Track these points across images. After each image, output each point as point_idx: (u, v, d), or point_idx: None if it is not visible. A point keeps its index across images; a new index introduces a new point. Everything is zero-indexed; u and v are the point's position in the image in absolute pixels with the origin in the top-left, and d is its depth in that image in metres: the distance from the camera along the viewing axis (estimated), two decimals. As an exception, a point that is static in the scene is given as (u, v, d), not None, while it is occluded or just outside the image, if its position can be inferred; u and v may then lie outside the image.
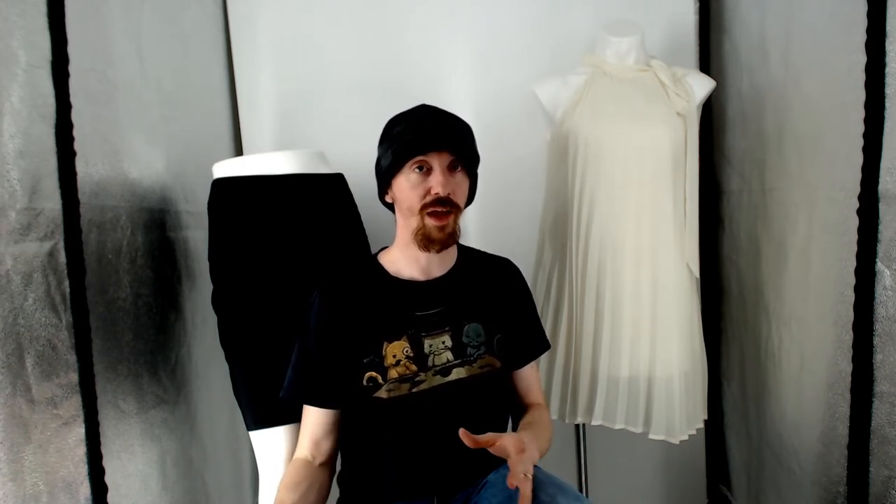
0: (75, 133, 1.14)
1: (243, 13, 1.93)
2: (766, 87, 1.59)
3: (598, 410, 1.49)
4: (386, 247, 1.25)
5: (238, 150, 1.98)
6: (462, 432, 0.98)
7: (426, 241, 1.12)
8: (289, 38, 1.93)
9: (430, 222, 1.10)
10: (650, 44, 1.63)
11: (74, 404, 1.11)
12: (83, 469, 1.12)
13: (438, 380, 1.15)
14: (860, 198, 1.15)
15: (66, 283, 1.10)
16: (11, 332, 0.98)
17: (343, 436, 1.21)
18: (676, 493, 2.07)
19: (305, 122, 1.93)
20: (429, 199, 1.10)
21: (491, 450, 1.00)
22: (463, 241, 1.30)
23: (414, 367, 1.14)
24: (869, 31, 1.11)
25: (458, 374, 1.16)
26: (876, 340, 1.13)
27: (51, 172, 1.09)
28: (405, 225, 1.15)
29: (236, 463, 1.86)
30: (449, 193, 1.10)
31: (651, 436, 1.48)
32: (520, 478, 0.95)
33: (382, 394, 1.13)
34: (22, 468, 0.99)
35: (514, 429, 1.27)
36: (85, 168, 1.18)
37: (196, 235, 1.65)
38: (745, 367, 1.76)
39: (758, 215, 1.65)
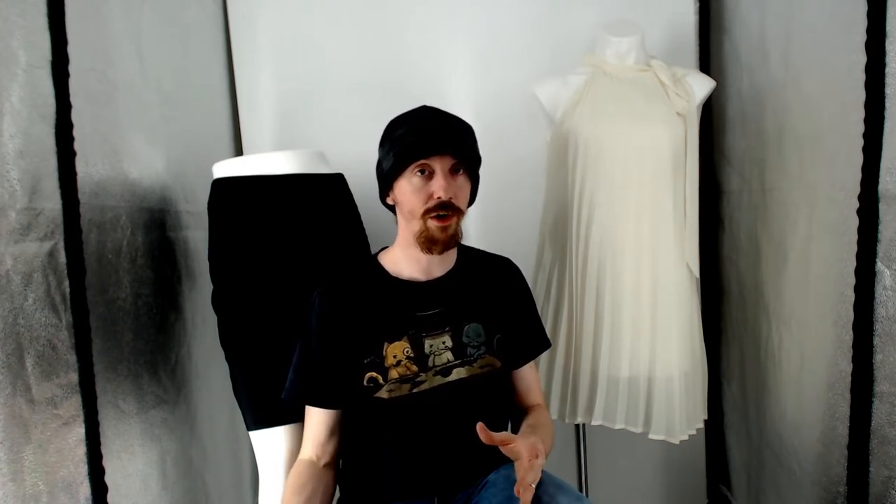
0: (75, 133, 1.14)
1: (243, 13, 1.93)
2: (766, 87, 1.59)
3: (598, 410, 1.49)
4: (386, 247, 1.25)
5: (238, 150, 1.98)
6: (480, 426, 0.98)
7: (429, 244, 1.12)
8: (289, 38, 1.93)
9: (433, 224, 1.11)
10: (650, 44, 1.63)
11: (74, 404, 1.11)
12: (83, 469, 1.12)
13: (439, 380, 1.15)
14: (860, 198, 1.15)
15: (66, 283, 1.10)
16: (11, 332, 0.98)
17: (344, 436, 1.21)
18: (676, 493, 2.07)
19: (305, 122, 1.93)
20: (431, 203, 1.10)
21: (503, 449, 1.00)
22: (463, 240, 1.30)
23: (414, 368, 1.14)
24: (869, 31, 1.11)
25: (458, 374, 1.16)
26: (876, 340, 1.13)
27: (51, 172, 1.09)
28: (407, 226, 1.15)
29: (236, 463, 1.86)
30: (451, 197, 1.10)
31: (651, 436, 1.48)
32: (525, 485, 0.95)
33: (383, 394, 1.13)
34: (22, 468, 0.99)
35: (514, 429, 1.27)
36: (85, 168, 1.18)
37: (196, 235, 1.65)
38: (745, 367, 1.76)
39: (758, 215, 1.65)
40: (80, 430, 1.12)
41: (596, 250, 1.49)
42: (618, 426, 1.50)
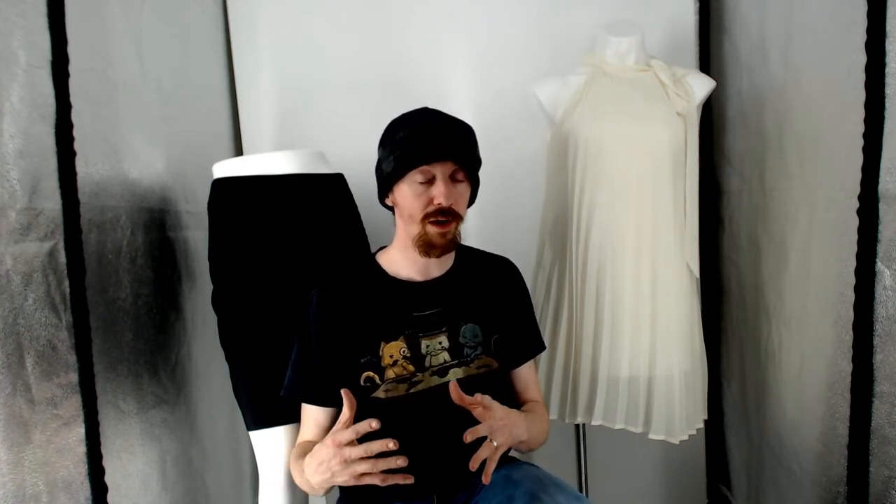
0: (75, 133, 1.14)
1: (243, 13, 1.93)
2: (766, 87, 1.59)
3: (598, 410, 1.49)
4: (384, 246, 1.25)
5: (238, 150, 1.98)
6: (452, 385, 1.01)
7: (427, 247, 1.12)
8: (289, 38, 1.93)
9: (432, 229, 1.11)
10: (650, 44, 1.63)
11: (74, 404, 1.11)
12: (83, 469, 1.12)
13: (436, 380, 1.15)
14: (860, 198, 1.15)
15: (66, 283, 1.10)
16: (11, 332, 0.99)
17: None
18: (676, 493, 2.07)
19: (305, 122, 1.93)
20: (431, 208, 1.10)
21: (475, 413, 1.02)
22: (463, 240, 1.30)
23: (411, 368, 1.14)
24: (869, 31, 1.11)
25: (455, 374, 1.16)
26: (876, 340, 1.13)
27: (51, 172, 1.09)
28: (405, 229, 1.15)
29: (236, 463, 1.86)
30: (451, 203, 1.10)
31: (651, 436, 1.48)
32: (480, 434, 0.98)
33: (380, 394, 1.13)
34: (22, 468, 0.99)
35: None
36: (85, 168, 1.18)
37: (196, 235, 1.65)
38: (745, 367, 1.76)
39: (758, 215, 1.65)
40: (80, 430, 1.12)
41: (596, 250, 1.49)
42: (618, 426, 1.50)
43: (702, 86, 1.56)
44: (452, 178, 1.11)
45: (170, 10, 1.63)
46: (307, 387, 1.17)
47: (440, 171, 1.09)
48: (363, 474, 0.99)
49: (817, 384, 1.34)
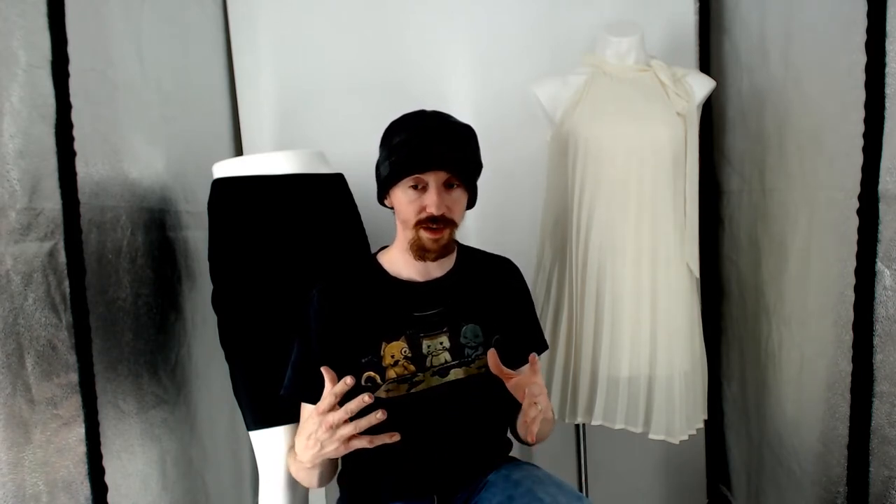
0: (75, 133, 1.14)
1: (243, 13, 1.93)
2: (766, 87, 1.59)
3: (598, 410, 1.49)
4: (385, 246, 1.25)
5: (238, 150, 1.98)
6: (490, 353, 1.06)
7: (421, 252, 1.12)
8: (289, 38, 1.93)
9: (425, 234, 1.11)
10: (650, 44, 1.63)
11: (74, 404, 1.11)
12: (83, 469, 1.12)
13: (437, 380, 1.15)
14: (860, 198, 1.15)
15: (66, 283, 1.10)
16: (11, 332, 0.98)
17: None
18: (676, 493, 2.07)
19: (305, 122, 1.93)
20: (423, 215, 1.10)
21: (509, 385, 1.06)
22: (463, 240, 1.30)
23: (412, 368, 1.14)
24: (869, 31, 1.11)
25: (455, 374, 1.16)
26: (876, 340, 1.13)
27: (51, 172, 1.09)
28: (402, 232, 1.16)
29: (236, 463, 1.86)
30: (444, 212, 1.10)
31: (651, 436, 1.48)
32: (532, 400, 1.01)
33: (381, 394, 1.13)
34: (22, 468, 0.99)
35: (513, 431, 1.27)
36: (85, 168, 1.18)
37: (196, 235, 1.65)
38: (745, 367, 1.76)
39: (758, 215, 1.65)
40: (80, 430, 1.12)
41: (596, 250, 1.49)
42: (618, 426, 1.50)
43: (702, 86, 1.57)
44: (447, 185, 1.11)
45: (170, 10, 1.63)
46: (307, 386, 1.17)
47: (433, 179, 1.09)
48: (351, 439, 1.00)
49: (817, 384, 1.34)
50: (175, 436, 1.49)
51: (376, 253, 1.25)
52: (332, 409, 0.99)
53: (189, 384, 1.58)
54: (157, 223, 1.48)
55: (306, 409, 1.19)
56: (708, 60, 1.92)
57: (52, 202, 1.08)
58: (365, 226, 1.55)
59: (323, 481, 1.17)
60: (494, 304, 1.23)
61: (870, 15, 1.10)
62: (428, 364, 1.15)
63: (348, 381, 0.98)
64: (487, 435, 1.24)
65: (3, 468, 0.96)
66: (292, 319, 1.22)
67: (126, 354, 1.30)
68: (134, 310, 1.35)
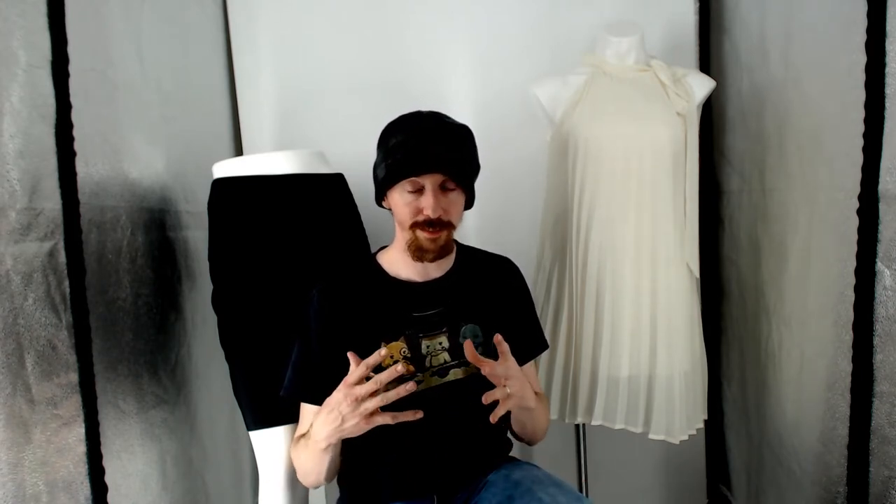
0: (75, 133, 1.14)
1: (243, 13, 1.93)
2: (766, 87, 1.59)
3: (598, 410, 1.49)
4: (385, 246, 1.25)
5: (238, 150, 1.98)
6: (466, 343, 1.03)
7: (419, 252, 1.12)
8: (289, 38, 1.93)
9: (422, 235, 1.11)
10: (650, 44, 1.63)
11: (74, 404, 1.11)
12: (83, 469, 1.12)
13: (436, 380, 1.15)
14: (860, 198, 1.15)
15: (66, 283, 1.10)
16: (11, 332, 0.98)
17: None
18: (676, 493, 2.07)
19: (305, 122, 1.93)
20: (420, 217, 1.10)
21: (483, 371, 1.04)
22: (463, 240, 1.30)
23: (411, 368, 1.14)
24: (869, 31, 1.11)
25: (455, 374, 1.16)
26: (876, 340, 1.13)
27: (51, 172, 1.09)
28: (400, 233, 1.16)
29: (236, 463, 1.86)
30: (440, 214, 1.10)
31: (651, 436, 1.48)
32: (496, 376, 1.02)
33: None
34: (22, 468, 0.99)
35: (514, 431, 1.28)
36: (85, 168, 1.18)
37: (196, 235, 1.65)
38: (745, 367, 1.76)
39: (758, 215, 1.65)
40: (80, 430, 1.12)
41: (596, 250, 1.49)
42: (618, 426, 1.50)
43: (702, 86, 1.57)
44: (444, 187, 1.11)
45: (170, 10, 1.63)
46: (307, 386, 1.17)
47: (429, 181, 1.09)
48: (373, 415, 1.00)
49: (817, 384, 1.34)
50: (175, 436, 1.49)
51: (376, 253, 1.25)
52: (360, 382, 0.99)
53: (189, 384, 1.58)
54: (157, 223, 1.48)
55: (306, 409, 1.19)
56: (708, 60, 1.92)
57: (52, 202, 1.08)
58: (365, 226, 1.55)
59: (329, 475, 1.17)
60: (494, 304, 1.23)
61: (870, 15, 1.10)
62: (427, 364, 1.15)
63: (382, 352, 0.98)
64: (487, 435, 1.24)
65: (3, 468, 0.96)
66: (292, 319, 1.22)
67: (126, 354, 1.30)
68: (134, 310, 1.35)
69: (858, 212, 1.15)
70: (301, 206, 1.40)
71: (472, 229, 1.86)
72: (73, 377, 1.11)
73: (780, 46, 1.50)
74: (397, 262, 1.20)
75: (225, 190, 1.41)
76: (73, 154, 1.13)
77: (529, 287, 1.33)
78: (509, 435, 1.30)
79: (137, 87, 1.44)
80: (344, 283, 1.20)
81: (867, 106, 1.12)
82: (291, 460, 1.26)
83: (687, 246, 1.51)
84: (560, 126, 1.53)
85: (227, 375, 1.41)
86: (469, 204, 1.19)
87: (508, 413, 1.28)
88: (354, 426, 1.02)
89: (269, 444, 1.36)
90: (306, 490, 1.41)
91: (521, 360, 1.27)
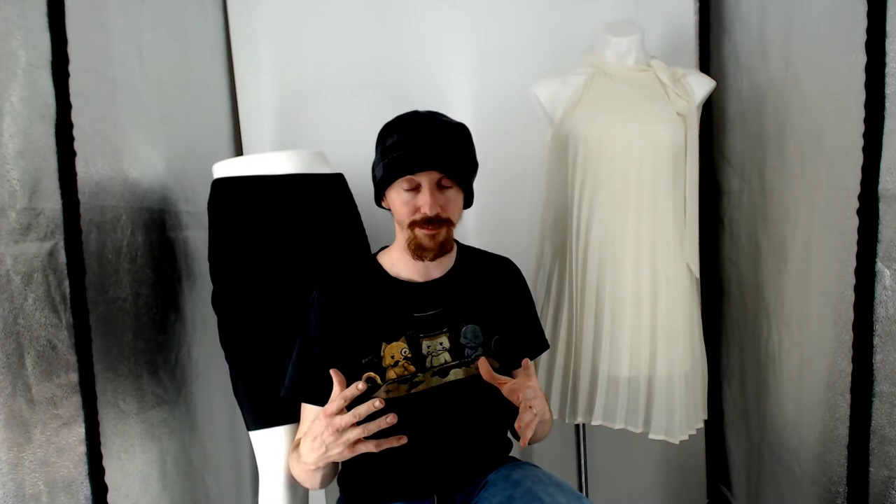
0: (75, 133, 1.14)
1: (243, 13, 1.93)
2: (766, 87, 1.59)
3: (598, 410, 1.49)
4: (385, 246, 1.25)
5: (238, 150, 1.98)
6: (481, 361, 1.07)
7: (419, 251, 1.12)
8: (289, 39, 1.93)
9: (421, 233, 1.11)
10: (650, 44, 1.63)
11: (74, 404, 1.11)
12: (83, 469, 1.12)
13: (437, 381, 1.15)
14: (860, 198, 1.15)
15: (66, 283, 1.10)
16: (11, 332, 0.99)
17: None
18: (676, 493, 2.07)
19: (305, 122, 1.93)
20: (418, 216, 1.10)
21: (503, 390, 1.06)
22: (463, 240, 1.30)
23: (412, 368, 1.14)
24: (869, 31, 1.11)
25: (455, 374, 1.16)
26: (876, 340, 1.13)
27: (51, 172, 1.09)
28: (400, 232, 1.16)
29: (236, 463, 1.86)
30: (438, 212, 1.10)
31: (651, 436, 1.48)
32: (525, 403, 1.01)
33: (381, 394, 1.13)
34: (22, 468, 0.99)
35: (513, 431, 1.27)
36: (85, 168, 1.18)
37: (196, 235, 1.65)
38: (745, 367, 1.76)
39: (758, 215, 1.65)
40: (80, 430, 1.12)
41: (596, 250, 1.49)
42: (618, 426, 1.50)
43: (702, 86, 1.57)
44: (441, 186, 1.11)
45: (170, 10, 1.63)
46: (308, 387, 1.17)
47: (426, 180, 1.09)
48: (356, 443, 1.00)
49: (817, 384, 1.34)
50: (175, 436, 1.49)
51: (376, 253, 1.25)
52: (339, 412, 0.99)
53: (189, 384, 1.58)
54: (157, 223, 1.48)
55: (307, 409, 1.19)
56: (708, 60, 1.92)
57: (52, 202, 1.08)
58: (365, 226, 1.55)
59: (325, 483, 1.17)
60: (494, 304, 1.23)
61: (870, 15, 1.10)
62: (428, 364, 1.15)
63: (360, 386, 0.98)
64: (487, 435, 1.24)
65: (3, 468, 0.96)
66: (292, 319, 1.22)
67: (126, 354, 1.31)
68: (134, 310, 1.35)
69: (858, 212, 1.15)
70: (301, 206, 1.40)
71: (472, 229, 1.87)
72: (73, 377, 1.11)
73: (780, 46, 1.50)
74: (398, 262, 1.20)
75: (225, 190, 1.41)
76: (73, 154, 1.13)
77: (529, 287, 1.33)
78: (509, 435, 1.30)
79: (137, 87, 1.44)
80: (344, 284, 1.20)
81: (867, 106, 1.12)
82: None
83: (687, 246, 1.51)
84: (560, 126, 1.53)
85: (227, 375, 1.41)
86: (468, 203, 1.19)
87: (508, 414, 1.29)
88: (339, 454, 1.02)
89: (269, 444, 1.36)
90: (306, 490, 1.41)
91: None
